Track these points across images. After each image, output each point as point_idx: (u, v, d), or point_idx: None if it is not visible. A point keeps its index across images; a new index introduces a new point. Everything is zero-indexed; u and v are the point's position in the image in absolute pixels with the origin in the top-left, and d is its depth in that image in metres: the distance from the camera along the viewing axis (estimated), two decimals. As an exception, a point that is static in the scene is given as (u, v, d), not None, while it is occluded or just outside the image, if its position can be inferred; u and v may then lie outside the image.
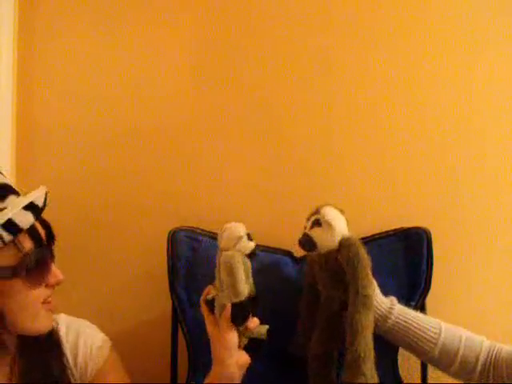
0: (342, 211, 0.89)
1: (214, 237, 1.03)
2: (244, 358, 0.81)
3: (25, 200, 0.69)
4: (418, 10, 1.15)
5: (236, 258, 0.81)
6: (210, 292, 0.85)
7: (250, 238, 0.84)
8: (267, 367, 0.98)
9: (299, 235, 0.88)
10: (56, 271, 0.74)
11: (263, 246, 1.04)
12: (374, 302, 0.85)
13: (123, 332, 1.18)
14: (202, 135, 1.18)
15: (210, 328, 0.83)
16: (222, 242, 0.84)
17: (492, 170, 1.14)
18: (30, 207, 0.69)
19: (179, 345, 1.06)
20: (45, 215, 0.75)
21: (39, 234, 0.72)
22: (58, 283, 0.74)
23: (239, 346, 0.81)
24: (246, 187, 1.17)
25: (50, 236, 0.75)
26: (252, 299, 0.83)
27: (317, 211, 0.88)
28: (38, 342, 0.75)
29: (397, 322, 0.86)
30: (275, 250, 1.07)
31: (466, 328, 0.86)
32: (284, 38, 1.17)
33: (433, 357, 0.84)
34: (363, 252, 0.84)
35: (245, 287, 0.81)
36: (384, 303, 0.88)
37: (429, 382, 1.04)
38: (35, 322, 0.72)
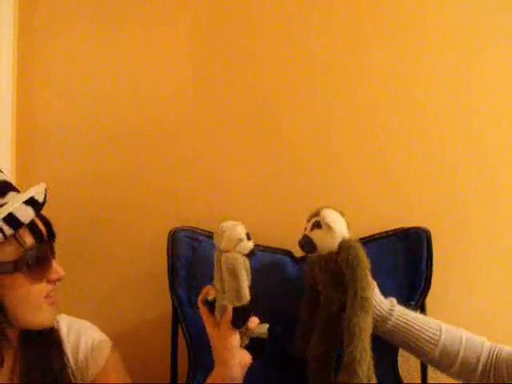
0: (342, 213, 0.89)
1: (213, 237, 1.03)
2: (246, 358, 0.81)
3: (25, 195, 0.71)
4: (418, 10, 1.15)
5: (238, 261, 0.80)
6: (208, 292, 0.85)
7: (248, 237, 0.83)
8: (267, 367, 0.98)
9: (299, 236, 0.88)
10: (57, 267, 0.75)
11: (263, 246, 1.04)
12: (374, 303, 0.85)
13: (123, 332, 1.18)
14: (202, 135, 1.18)
15: (210, 329, 0.83)
16: (222, 243, 0.83)
17: (492, 169, 1.14)
18: (31, 202, 0.70)
19: (179, 345, 1.06)
20: (45, 214, 0.76)
21: (40, 230, 0.73)
22: (59, 279, 0.75)
23: (240, 346, 0.81)
24: (246, 187, 1.17)
25: (51, 233, 0.76)
26: (251, 300, 0.82)
27: (317, 213, 0.88)
28: (39, 338, 0.76)
29: (397, 324, 0.86)
30: (275, 250, 1.07)
31: (466, 328, 0.86)
32: (284, 39, 1.16)
33: (433, 358, 0.84)
34: (363, 254, 0.84)
35: (247, 291, 0.81)
36: (384, 304, 0.88)
37: (429, 382, 1.04)
38: (37, 316, 0.73)
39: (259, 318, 0.83)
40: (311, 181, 1.16)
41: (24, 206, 0.69)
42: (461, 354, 0.82)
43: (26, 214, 0.69)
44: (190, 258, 1.03)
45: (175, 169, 1.19)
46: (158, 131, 1.19)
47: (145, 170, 1.19)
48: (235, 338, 0.80)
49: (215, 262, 0.85)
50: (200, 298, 0.86)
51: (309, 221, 0.89)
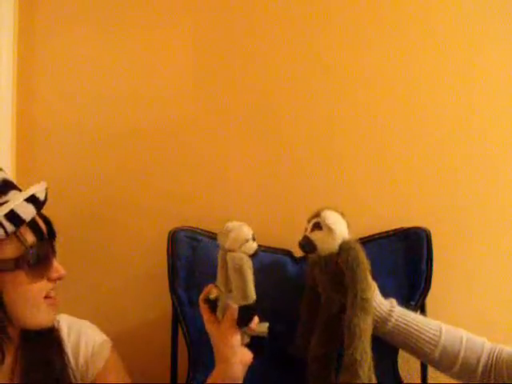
0: (342, 214, 0.89)
1: (214, 237, 1.03)
2: (247, 356, 0.81)
3: (26, 193, 0.71)
4: (418, 10, 1.15)
5: (245, 260, 0.81)
6: (211, 291, 0.85)
7: (253, 238, 0.84)
8: (268, 367, 0.98)
9: (299, 236, 0.89)
10: (58, 266, 0.76)
11: (263, 246, 1.04)
12: (374, 304, 0.85)
13: (123, 332, 1.18)
14: (202, 135, 1.18)
15: (211, 327, 0.83)
16: (228, 242, 0.83)
17: (492, 170, 1.14)
18: (32, 200, 0.71)
19: (179, 345, 1.06)
20: (45, 214, 0.76)
21: (41, 228, 0.73)
22: (59, 278, 0.76)
23: (241, 344, 0.81)
24: (246, 187, 1.17)
25: (51, 232, 0.76)
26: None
27: (317, 214, 0.88)
28: (40, 338, 0.76)
29: (397, 325, 0.86)
30: (275, 250, 1.07)
31: (466, 328, 0.86)
32: (285, 40, 1.16)
33: (433, 358, 0.84)
34: (363, 256, 0.85)
35: (253, 291, 0.81)
36: (384, 305, 0.88)
37: (429, 382, 1.04)
38: (37, 316, 0.73)
39: (259, 318, 0.83)
40: (311, 181, 1.16)
41: (25, 203, 0.70)
42: (461, 354, 0.82)
43: (28, 212, 0.70)
44: (190, 257, 1.03)
45: (175, 169, 1.19)
46: (158, 131, 1.19)
47: (145, 170, 1.19)
48: (237, 337, 0.80)
49: (219, 262, 0.85)
50: (201, 296, 0.86)
51: (309, 222, 0.89)
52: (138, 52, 1.20)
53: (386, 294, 0.90)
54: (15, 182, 0.75)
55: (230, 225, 0.84)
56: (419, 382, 1.05)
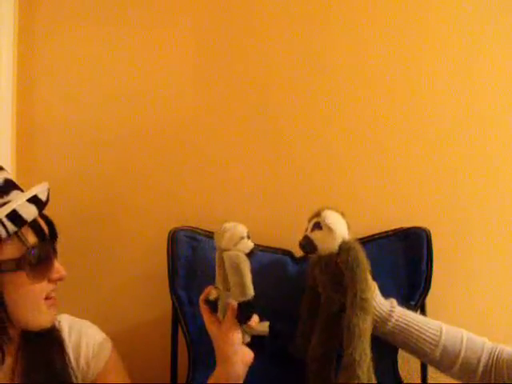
0: (343, 214, 0.89)
1: (213, 237, 1.03)
2: (248, 355, 0.81)
3: (28, 193, 0.71)
4: (419, 11, 1.15)
5: (242, 258, 0.81)
6: (210, 292, 0.85)
7: (248, 236, 0.84)
8: (268, 366, 0.98)
9: (300, 236, 0.89)
10: (59, 267, 0.76)
11: (263, 246, 1.04)
12: (374, 304, 0.85)
13: (123, 332, 1.18)
14: (202, 135, 1.18)
15: (212, 328, 0.83)
16: (223, 242, 0.83)
17: (492, 169, 1.14)
18: (34, 201, 0.71)
19: (179, 345, 1.06)
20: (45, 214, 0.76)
21: (42, 229, 0.73)
22: (60, 279, 0.76)
23: (242, 344, 0.81)
24: (246, 187, 1.17)
25: (53, 233, 0.76)
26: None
27: (318, 214, 0.88)
28: (41, 338, 0.76)
29: (397, 325, 0.86)
30: (275, 250, 1.07)
31: (466, 328, 0.86)
32: (285, 40, 1.16)
33: (434, 358, 0.84)
34: (362, 256, 0.85)
35: (251, 286, 0.81)
36: (384, 305, 0.88)
37: (429, 382, 1.04)
38: (37, 317, 0.73)
39: (260, 317, 0.83)
40: (311, 181, 1.16)
41: (27, 203, 0.70)
42: (461, 354, 0.82)
43: (30, 212, 0.70)
44: (190, 257, 1.03)
45: (175, 169, 1.19)
46: (158, 131, 1.19)
47: (145, 170, 1.19)
48: (238, 335, 0.80)
49: (216, 262, 0.86)
50: (201, 297, 0.86)
51: (310, 221, 0.89)
52: (139, 52, 1.20)
53: (386, 294, 0.90)
54: (17, 182, 0.75)
55: (225, 225, 0.85)
56: (419, 382, 1.05)
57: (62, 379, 0.77)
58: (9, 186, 0.72)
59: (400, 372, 1.03)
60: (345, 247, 0.85)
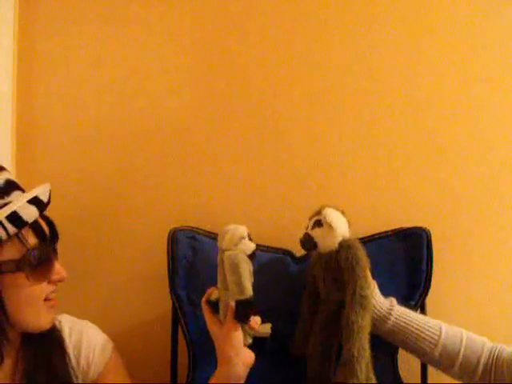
0: (343, 213, 0.89)
1: (213, 237, 1.03)
2: (250, 357, 0.81)
3: (29, 194, 0.71)
4: (419, 11, 1.15)
5: (240, 256, 0.82)
6: (212, 293, 0.86)
7: (250, 238, 0.85)
8: (267, 366, 0.98)
9: (300, 234, 0.89)
10: (59, 268, 0.75)
11: (263, 246, 1.04)
12: (374, 303, 0.86)
13: (123, 332, 1.18)
14: (202, 136, 1.18)
15: (213, 328, 0.83)
16: (224, 243, 0.84)
17: (492, 169, 1.14)
18: (35, 202, 0.70)
19: (179, 345, 1.06)
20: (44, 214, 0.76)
21: (43, 230, 0.73)
22: (60, 280, 0.75)
23: (244, 345, 0.81)
24: (246, 187, 1.17)
25: (54, 233, 0.76)
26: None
27: (319, 212, 0.89)
28: (41, 338, 0.75)
29: (396, 323, 0.86)
30: (275, 250, 1.07)
31: (466, 328, 0.86)
32: (285, 39, 1.17)
33: (433, 358, 0.85)
34: (362, 253, 0.85)
35: (250, 285, 0.82)
36: (383, 304, 0.88)
37: (429, 382, 1.04)
38: (36, 319, 0.73)
39: (261, 319, 0.83)
40: (311, 181, 1.16)
41: (28, 205, 0.69)
42: (461, 354, 0.82)
43: (30, 213, 0.69)
44: (190, 257, 1.03)
45: (175, 169, 1.19)
46: (158, 131, 1.19)
47: (145, 170, 1.19)
48: (239, 334, 0.80)
49: (218, 263, 0.86)
50: (203, 298, 0.86)
51: (310, 219, 0.90)
52: (138, 52, 1.20)
53: (385, 294, 0.90)
54: (18, 183, 0.74)
55: (227, 227, 0.86)
56: (419, 382, 1.05)
57: (63, 379, 0.76)
58: (10, 187, 0.71)
59: (400, 372, 1.02)
60: (345, 245, 0.86)
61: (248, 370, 0.81)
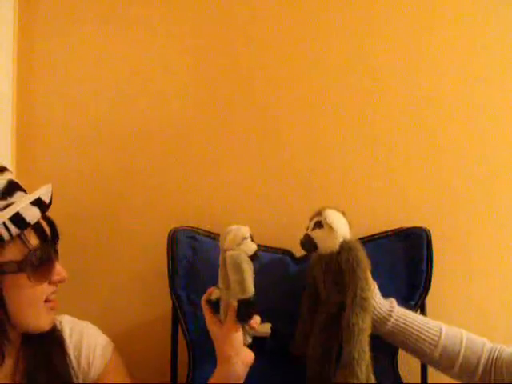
0: (344, 214, 0.89)
1: (214, 237, 1.03)
2: (249, 356, 0.81)
3: (32, 196, 0.71)
4: (419, 11, 1.15)
5: (242, 256, 0.82)
6: (212, 293, 0.86)
7: (251, 238, 0.85)
8: (267, 366, 0.98)
9: (300, 235, 0.89)
10: (60, 269, 0.76)
11: (263, 246, 1.04)
12: (374, 304, 0.86)
13: (123, 332, 1.18)
14: (202, 136, 1.18)
15: (213, 328, 0.83)
16: (226, 243, 0.84)
17: (492, 169, 1.14)
18: (37, 203, 0.71)
19: (179, 345, 1.06)
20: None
21: (45, 231, 0.73)
22: (61, 281, 0.76)
23: (243, 345, 0.81)
24: (246, 187, 1.17)
25: (55, 234, 0.76)
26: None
27: (319, 213, 0.89)
28: (41, 338, 0.76)
29: (396, 325, 0.86)
30: (275, 250, 1.07)
31: (466, 328, 0.86)
32: (286, 41, 1.16)
33: (433, 358, 0.85)
34: (363, 255, 0.85)
35: (252, 284, 0.82)
36: (383, 305, 0.88)
37: (429, 382, 1.04)
38: (37, 320, 0.73)
39: (261, 319, 0.83)
40: (311, 181, 1.16)
41: (31, 206, 0.70)
42: (461, 354, 0.82)
43: (33, 215, 0.69)
44: (190, 257, 1.03)
45: (175, 169, 1.19)
46: (158, 131, 1.19)
47: (145, 170, 1.19)
48: (239, 334, 0.80)
49: (220, 263, 0.86)
50: (204, 297, 0.86)
51: (311, 220, 0.90)
52: (138, 52, 1.20)
53: (385, 294, 0.90)
54: (21, 184, 0.74)
55: (230, 228, 0.86)
56: (419, 382, 1.05)
57: (63, 379, 0.77)
58: (13, 188, 0.71)
59: (400, 372, 1.03)
60: (346, 246, 0.85)
61: (247, 370, 0.81)
